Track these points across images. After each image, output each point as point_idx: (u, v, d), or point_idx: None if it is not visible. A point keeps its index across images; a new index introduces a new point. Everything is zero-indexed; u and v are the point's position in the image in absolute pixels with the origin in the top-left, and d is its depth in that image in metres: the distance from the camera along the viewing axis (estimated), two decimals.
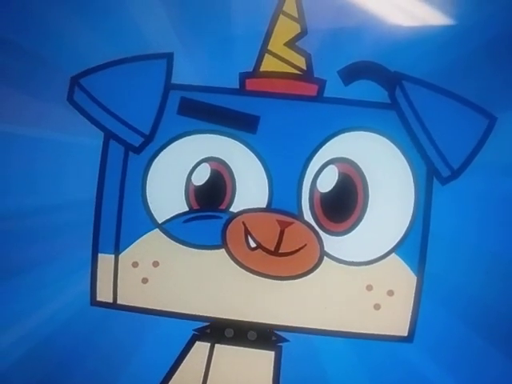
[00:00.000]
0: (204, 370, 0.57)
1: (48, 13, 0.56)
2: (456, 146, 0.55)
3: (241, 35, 0.55)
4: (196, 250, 0.56)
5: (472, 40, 0.55)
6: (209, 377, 0.57)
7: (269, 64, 0.55)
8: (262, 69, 0.55)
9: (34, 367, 0.58)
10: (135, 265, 0.57)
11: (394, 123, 0.55)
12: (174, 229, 0.56)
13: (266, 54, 0.55)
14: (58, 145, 0.56)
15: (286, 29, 0.55)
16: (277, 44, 0.55)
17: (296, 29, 0.55)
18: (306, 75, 0.55)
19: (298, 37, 0.55)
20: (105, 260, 0.57)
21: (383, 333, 0.56)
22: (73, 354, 0.58)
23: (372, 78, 0.55)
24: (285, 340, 0.57)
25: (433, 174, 0.55)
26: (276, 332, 0.57)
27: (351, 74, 0.55)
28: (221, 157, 0.56)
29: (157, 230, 0.56)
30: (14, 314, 0.58)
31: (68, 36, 0.56)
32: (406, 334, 0.56)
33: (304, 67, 0.55)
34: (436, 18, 0.55)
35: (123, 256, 0.57)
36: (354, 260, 0.56)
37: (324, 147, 0.55)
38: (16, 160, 0.57)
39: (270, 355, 0.57)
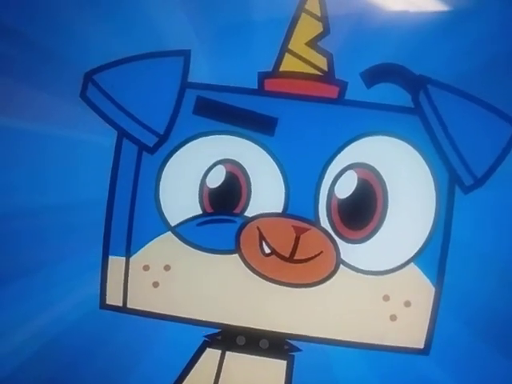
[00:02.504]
0: (214, 378, 0.57)
1: (61, 6, 0.55)
2: (480, 153, 0.54)
3: (261, 33, 0.54)
4: (209, 255, 0.55)
5: (499, 44, 0.54)
6: None
7: (289, 64, 0.54)
8: (281, 69, 0.54)
9: (42, 370, 0.58)
10: (146, 268, 0.56)
11: (416, 128, 0.54)
12: (187, 232, 0.55)
13: (287, 54, 0.54)
14: (69, 142, 0.55)
15: (307, 28, 0.54)
16: (298, 43, 0.54)
17: (318, 28, 0.54)
18: (327, 76, 0.54)
19: (320, 36, 0.54)
20: (115, 262, 0.56)
21: (399, 344, 0.55)
22: (81, 357, 0.57)
23: (395, 80, 0.54)
24: (297, 349, 0.56)
25: (455, 182, 0.54)
26: (289, 341, 0.56)
27: (374, 76, 0.54)
28: (237, 159, 0.55)
29: (169, 233, 0.55)
30: (23, 314, 0.57)
31: (82, 31, 0.55)
32: (422, 347, 0.55)
33: (325, 68, 0.54)
34: (463, 21, 0.54)
35: (134, 259, 0.56)
36: (371, 269, 0.55)
37: (343, 152, 0.54)
38: (26, 157, 0.56)
39: (282, 364, 0.56)
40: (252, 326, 0.56)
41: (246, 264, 0.55)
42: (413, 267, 0.55)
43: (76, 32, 0.55)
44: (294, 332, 0.56)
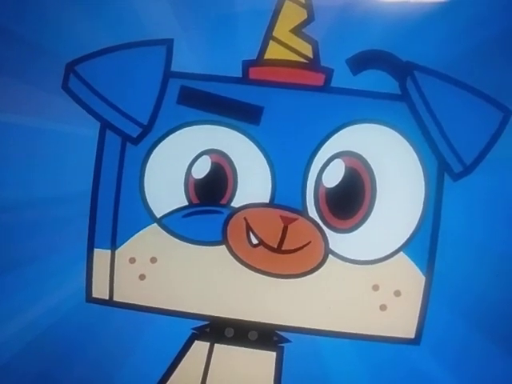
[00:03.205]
0: (203, 371, 0.56)
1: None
2: (469, 140, 0.53)
3: (245, 21, 0.53)
4: (195, 246, 0.55)
5: (487, 29, 0.53)
6: (208, 377, 0.56)
7: (273, 51, 0.54)
8: (266, 56, 0.54)
9: (32, 362, 0.57)
10: (132, 261, 0.55)
11: (404, 115, 0.53)
12: (173, 224, 0.55)
13: (271, 41, 0.54)
14: (51, 135, 0.55)
15: (292, 15, 0.53)
16: (282, 30, 0.53)
17: (302, 15, 0.53)
18: (313, 64, 0.54)
19: (305, 23, 0.53)
20: (101, 255, 0.55)
21: (389, 335, 0.55)
22: (67, 352, 0.57)
23: (382, 67, 0.53)
24: (287, 340, 0.56)
25: (444, 169, 0.54)
26: (278, 332, 0.56)
27: (360, 63, 0.53)
28: (222, 149, 0.54)
29: (155, 224, 0.55)
30: (8, 308, 0.57)
31: (65, 22, 0.54)
32: (412, 336, 0.55)
33: (310, 55, 0.54)
34: (450, 7, 0.53)
35: (120, 251, 0.55)
36: (360, 258, 0.54)
37: (330, 140, 0.54)
38: (7, 150, 0.55)
39: (271, 356, 0.56)
40: (240, 318, 0.55)
41: (233, 255, 0.55)
42: (402, 256, 0.54)
43: (57, 22, 0.54)
44: (283, 323, 0.55)
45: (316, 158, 0.54)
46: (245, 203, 0.54)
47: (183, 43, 0.54)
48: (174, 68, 0.54)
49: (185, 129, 0.54)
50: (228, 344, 0.56)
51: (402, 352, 0.55)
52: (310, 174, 0.54)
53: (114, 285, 0.56)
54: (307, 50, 0.53)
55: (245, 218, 0.54)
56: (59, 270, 0.55)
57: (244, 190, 0.54)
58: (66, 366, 0.57)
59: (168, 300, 0.55)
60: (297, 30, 0.53)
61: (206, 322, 0.56)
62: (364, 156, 0.54)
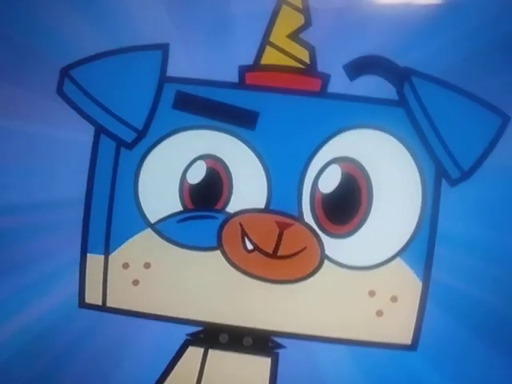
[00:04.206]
0: (197, 377, 0.56)
1: (38, 2, 0.54)
2: (467, 146, 0.53)
3: (241, 26, 0.53)
4: (190, 252, 0.54)
5: (485, 36, 0.53)
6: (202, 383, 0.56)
7: (270, 57, 0.53)
8: (262, 62, 0.53)
9: (21, 368, 0.57)
10: (126, 266, 0.55)
11: (401, 121, 0.53)
12: (167, 229, 0.54)
13: (268, 46, 0.53)
14: (46, 139, 0.54)
15: (288, 20, 0.53)
16: (279, 36, 0.53)
17: (299, 20, 0.53)
18: (309, 69, 0.53)
19: (302, 28, 0.53)
20: (94, 260, 0.55)
21: (386, 341, 0.55)
22: (59, 358, 0.56)
23: (379, 73, 0.53)
24: (282, 346, 0.55)
25: (441, 175, 0.54)
26: (273, 338, 0.55)
27: (357, 68, 0.53)
28: (217, 154, 0.54)
29: (149, 229, 0.55)
30: (0, 313, 0.56)
31: (59, 26, 0.54)
32: (409, 342, 0.55)
33: (307, 61, 0.53)
34: (447, 12, 0.53)
35: (113, 256, 0.55)
36: (357, 264, 0.54)
37: (327, 145, 0.54)
38: (1, 154, 0.55)
39: (266, 362, 0.56)
40: (235, 324, 0.55)
41: (228, 261, 0.54)
42: (399, 262, 0.54)
43: (51, 27, 0.54)
44: (278, 329, 0.55)
45: (312, 163, 0.54)
46: (240, 208, 0.54)
47: (179, 48, 0.53)
48: (170, 73, 0.54)
49: (180, 134, 0.54)
50: (222, 350, 0.56)
51: (398, 358, 0.55)
52: (306, 180, 0.54)
53: (108, 290, 0.55)
54: (304, 55, 0.53)
55: (240, 224, 0.54)
56: (52, 274, 0.55)
57: (239, 196, 0.54)
58: (58, 372, 0.57)
59: (162, 306, 0.55)
60: (294, 36, 0.53)
61: (200, 328, 0.56)
62: (361, 161, 0.54)
